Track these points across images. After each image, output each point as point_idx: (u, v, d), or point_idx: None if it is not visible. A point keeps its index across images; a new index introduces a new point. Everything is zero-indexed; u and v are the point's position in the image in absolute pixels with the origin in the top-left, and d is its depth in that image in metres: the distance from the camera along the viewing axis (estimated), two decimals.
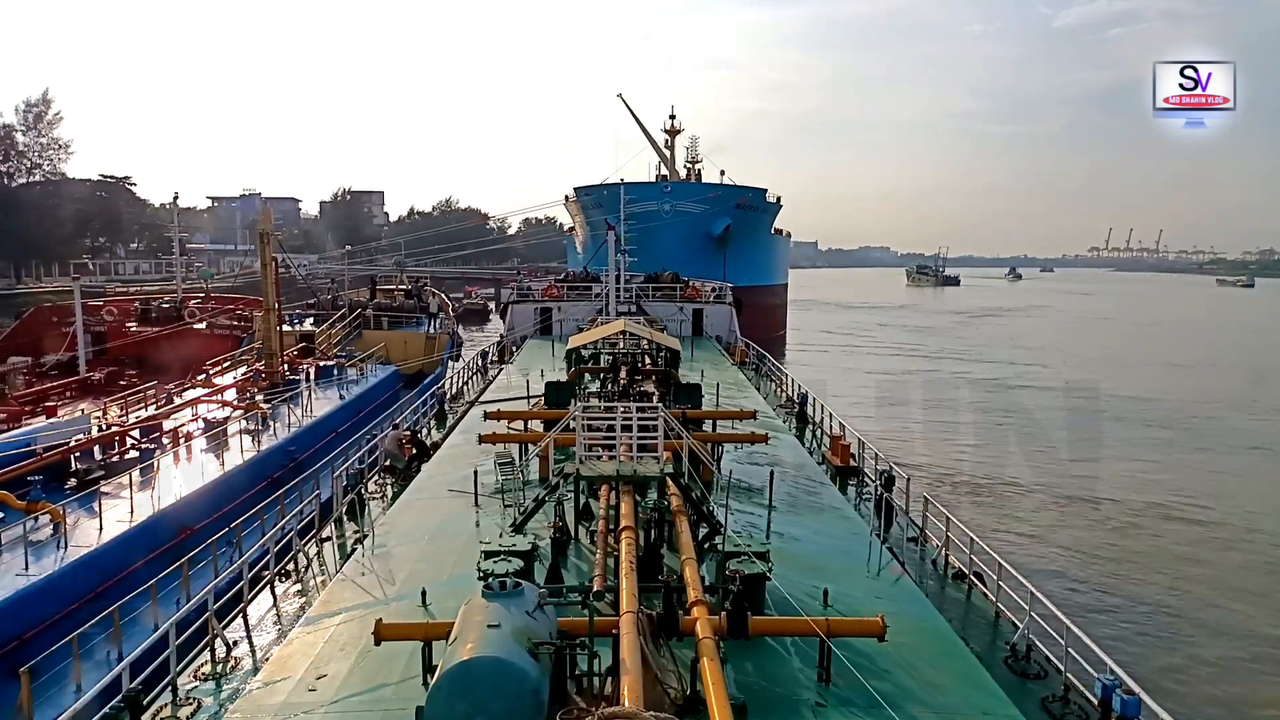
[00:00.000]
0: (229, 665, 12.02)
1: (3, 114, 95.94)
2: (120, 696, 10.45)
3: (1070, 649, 11.63)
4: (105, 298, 54.41)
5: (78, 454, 23.23)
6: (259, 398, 32.33)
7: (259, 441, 27.80)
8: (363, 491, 20.08)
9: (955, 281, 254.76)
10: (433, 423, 28.42)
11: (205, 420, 28.96)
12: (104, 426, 26.41)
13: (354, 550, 16.10)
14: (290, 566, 15.81)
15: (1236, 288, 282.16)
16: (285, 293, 75.04)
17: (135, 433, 26.11)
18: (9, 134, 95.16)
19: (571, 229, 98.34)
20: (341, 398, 35.48)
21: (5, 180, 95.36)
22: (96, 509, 20.14)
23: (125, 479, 21.78)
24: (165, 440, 26.02)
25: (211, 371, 38.86)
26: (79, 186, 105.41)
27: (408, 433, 23.65)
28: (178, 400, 32.39)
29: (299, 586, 15.13)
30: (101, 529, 19.34)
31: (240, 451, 26.37)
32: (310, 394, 33.42)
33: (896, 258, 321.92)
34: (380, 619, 9.82)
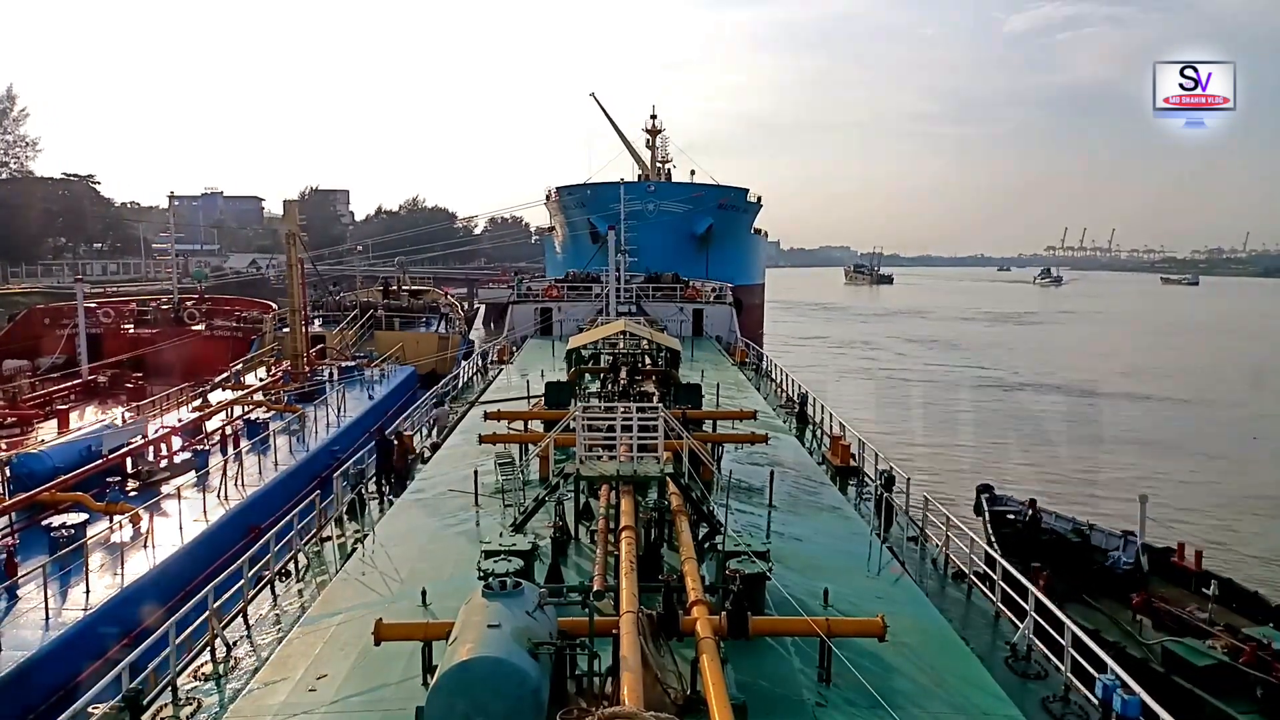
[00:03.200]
0: (229, 665, 12.02)
1: None
2: (120, 696, 10.44)
3: (1070, 649, 11.63)
4: (100, 299, 54.20)
5: (131, 456, 23.88)
6: (292, 399, 33.04)
7: (305, 442, 28.61)
8: (363, 491, 20.08)
9: (889, 280, 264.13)
10: (432, 423, 28.41)
11: (247, 422, 29.46)
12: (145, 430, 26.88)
13: (354, 550, 16.10)
14: (290, 566, 15.81)
15: (1182, 285, 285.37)
16: (263, 293, 75.06)
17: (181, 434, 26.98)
18: None
19: (550, 229, 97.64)
20: (370, 398, 36.34)
21: None
22: (167, 509, 21.03)
23: (183, 480, 22.64)
24: (213, 441, 26.85)
25: (234, 373, 39.37)
26: (42, 185, 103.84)
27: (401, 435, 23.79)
28: (212, 402, 32.95)
29: (299, 586, 15.12)
30: (181, 529, 20.05)
31: (290, 451, 27.22)
32: (342, 395, 34.22)
33: (856, 257, 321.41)
34: (380, 619, 9.82)
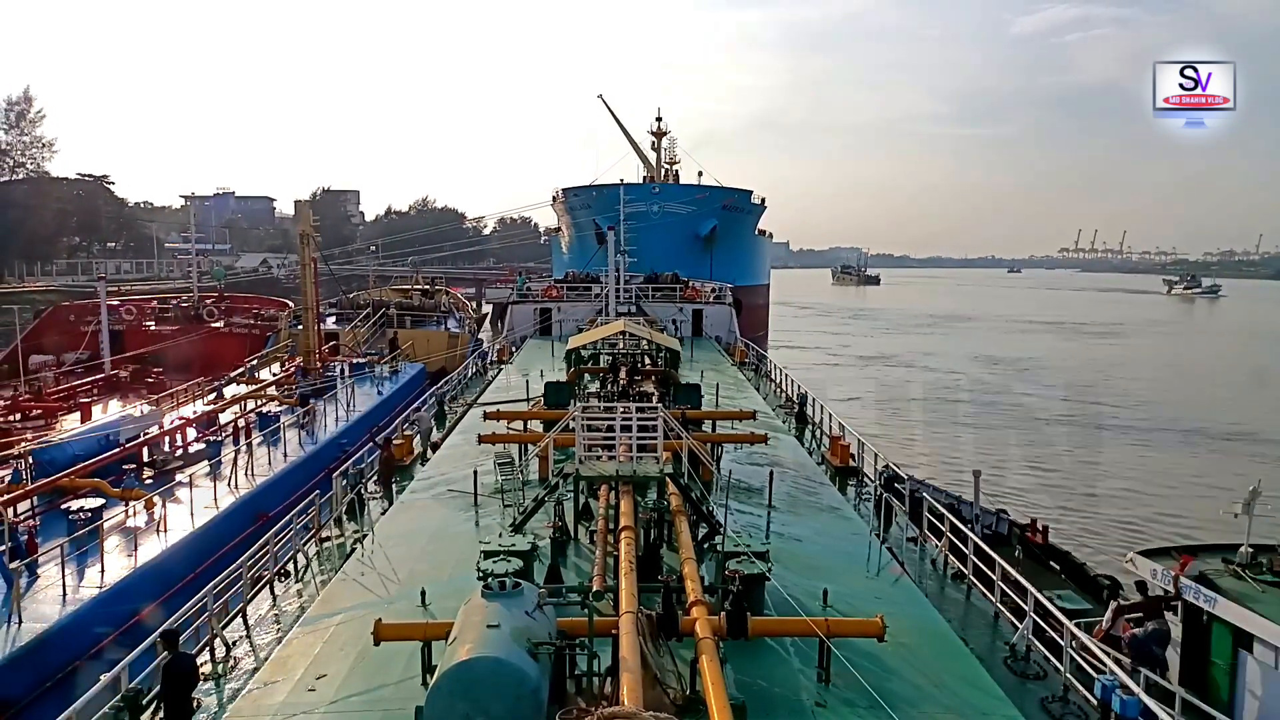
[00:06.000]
0: (229, 665, 12.02)
1: None
2: (120, 696, 10.44)
3: (1070, 649, 11.63)
4: (123, 298, 55.52)
5: (148, 445, 24.82)
6: (303, 394, 33.98)
7: (314, 434, 29.78)
8: (363, 491, 20.07)
9: (876, 280, 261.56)
10: (432, 424, 28.42)
11: (259, 414, 30.60)
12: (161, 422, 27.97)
13: (354, 550, 16.09)
14: (290, 566, 15.81)
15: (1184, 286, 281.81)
16: (274, 292, 76.21)
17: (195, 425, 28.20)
18: None
19: (557, 230, 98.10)
20: (379, 393, 37.30)
21: None
22: (180, 496, 21.93)
23: (197, 468, 23.80)
24: (226, 432, 27.95)
25: (250, 368, 40.60)
26: (57, 185, 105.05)
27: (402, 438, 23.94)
28: (227, 396, 34.10)
29: (299, 586, 15.12)
30: (193, 515, 21.03)
31: (300, 443, 28.29)
32: (352, 390, 35.28)
33: (867, 258, 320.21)
34: (380, 619, 9.83)
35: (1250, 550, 14.51)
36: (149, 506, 20.40)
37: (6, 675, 14.05)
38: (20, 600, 15.28)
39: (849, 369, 78.45)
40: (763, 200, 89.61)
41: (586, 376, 26.75)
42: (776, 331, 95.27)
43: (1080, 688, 11.42)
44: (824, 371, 73.87)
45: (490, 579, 9.01)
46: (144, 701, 10.60)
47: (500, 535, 12.49)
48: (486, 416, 21.23)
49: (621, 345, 28.27)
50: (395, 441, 23.85)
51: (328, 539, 17.46)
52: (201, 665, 11.99)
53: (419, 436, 24.80)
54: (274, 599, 14.55)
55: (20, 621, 14.92)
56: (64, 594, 16.28)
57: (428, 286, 68.08)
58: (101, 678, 10.63)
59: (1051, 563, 23.45)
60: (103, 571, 17.27)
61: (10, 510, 18.62)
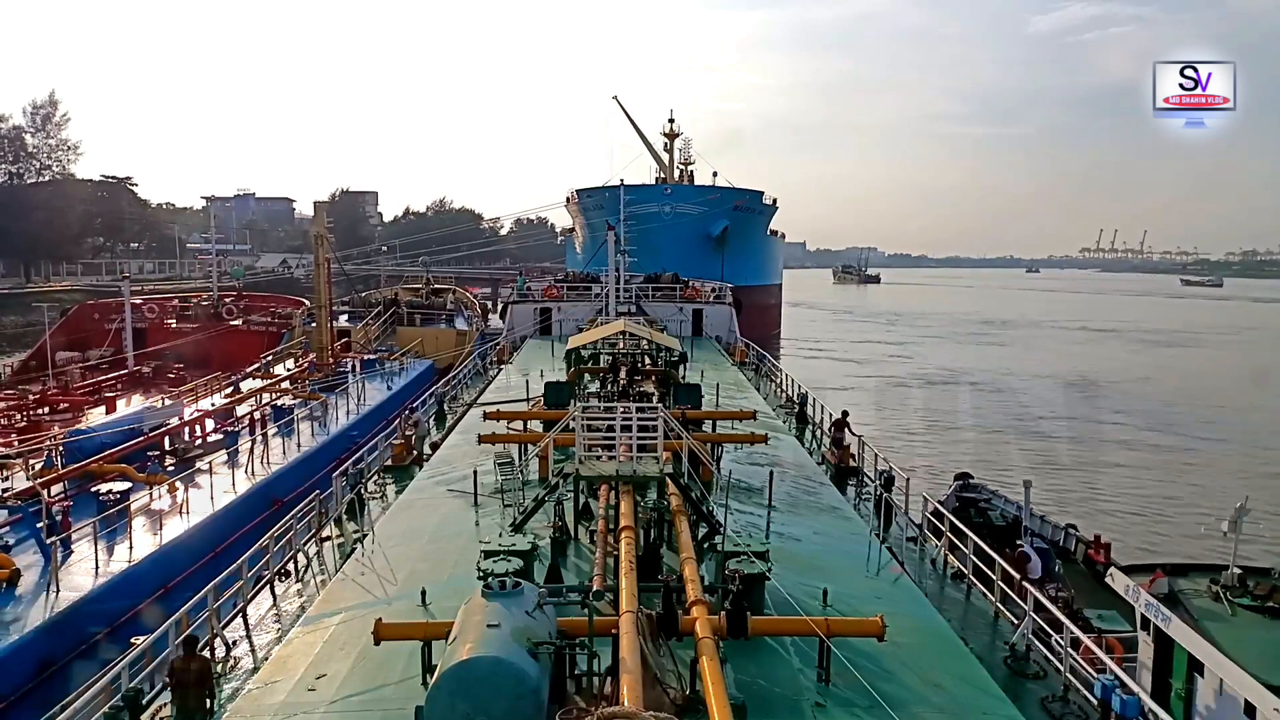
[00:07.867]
0: (229, 665, 12.02)
1: (11, 116, 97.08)
2: (120, 695, 10.45)
3: (1070, 649, 11.63)
4: (144, 296, 57.67)
5: (170, 435, 26.34)
6: (316, 388, 35.41)
7: (327, 426, 31.32)
8: (363, 491, 20.05)
9: (876, 279, 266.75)
10: (431, 424, 28.41)
11: (275, 407, 32.07)
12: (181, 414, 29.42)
13: (354, 550, 16.08)
14: (290, 566, 15.81)
15: (1205, 286, 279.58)
16: (293, 291, 77.53)
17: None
18: (19, 135, 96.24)
19: (571, 230, 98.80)
20: (389, 388, 38.91)
21: (13, 180, 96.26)
22: (201, 482, 23.66)
23: (216, 456, 25.20)
24: (243, 424, 29.41)
25: (266, 364, 42.17)
26: (82, 187, 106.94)
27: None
28: (244, 390, 35.49)
29: (299, 586, 15.12)
30: (213, 498, 22.76)
31: (312, 435, 29.93)
32: (363, 385, 36.85)
33: (884, 258, 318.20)
34: (380, 619, 9.83)
35: (1239, 572, 14.19)
36: (172, 490, 22.07)
37: (48, 637, 15.55)
38: (58, 572, 16.93)
39: (916, 388, 65.50)
40: (774, 201, 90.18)
41: (586, 376, 26.73)
42: (812, 341, 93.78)
43: (1080, 687, 11.43)
44: (897, 395, 61.33)
45: (490, 579, 9.01)
46: (144, 701, 10.62)
47: (500, 535, 12.49)
48: (486, 416, 21.20)
49: (621, 345, 28.27)
50: (395, 441, 23.88)
51: (327, 539, 17.46)
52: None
53: (420, 421, 25.53)
54: (274, 598, 14.55)
55: (58, 590, 16.63)
56: (96, 566, 17.91)
57: (436, 285, 69.72)
58: (99, 679, 10.64)
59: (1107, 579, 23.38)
60: (130, 547, 18.97)
61: (45, 492, 20.09)
